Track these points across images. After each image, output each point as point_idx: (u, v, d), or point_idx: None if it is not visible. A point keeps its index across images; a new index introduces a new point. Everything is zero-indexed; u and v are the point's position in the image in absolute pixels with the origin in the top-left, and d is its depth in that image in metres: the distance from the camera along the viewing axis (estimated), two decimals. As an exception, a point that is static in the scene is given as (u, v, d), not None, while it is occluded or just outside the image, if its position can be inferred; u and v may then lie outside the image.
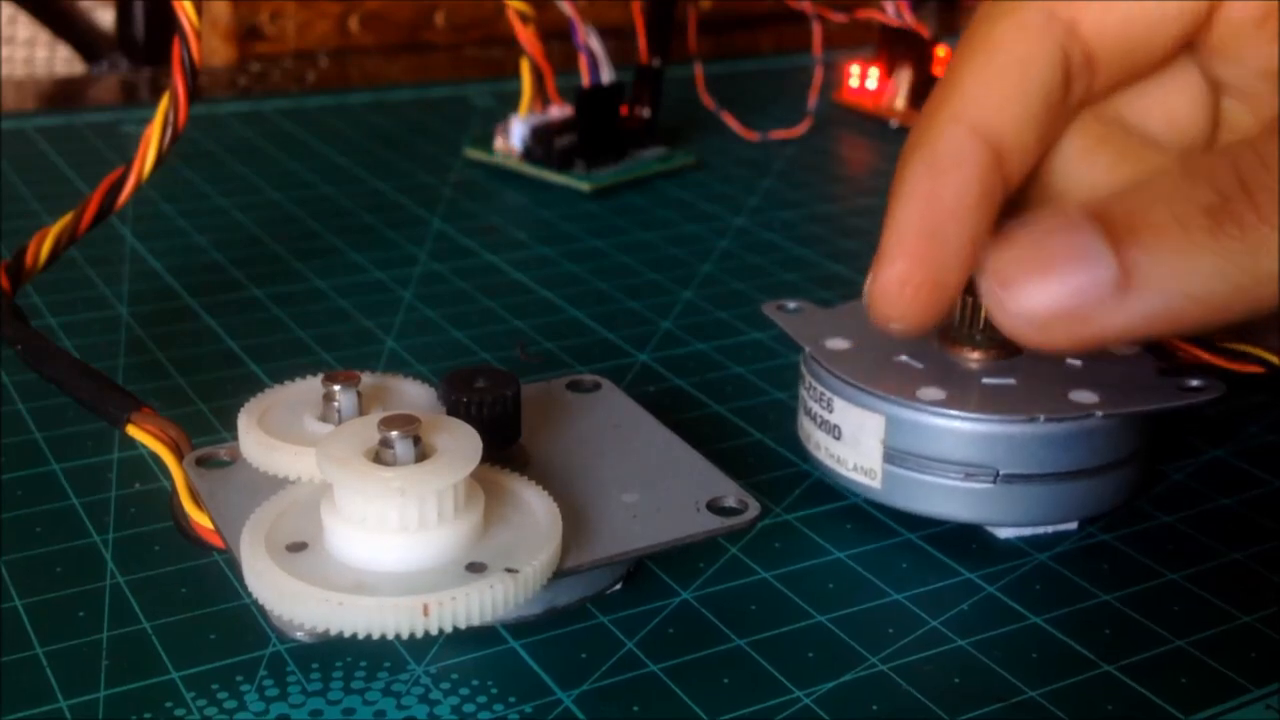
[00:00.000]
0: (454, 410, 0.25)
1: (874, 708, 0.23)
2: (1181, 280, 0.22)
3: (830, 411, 0.28)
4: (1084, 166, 0.28)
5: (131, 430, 0.26)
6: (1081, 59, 0.26)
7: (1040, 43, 0.26)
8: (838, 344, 0.29)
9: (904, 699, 0.23)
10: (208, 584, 0.25)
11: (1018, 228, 0.24)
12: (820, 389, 0.29)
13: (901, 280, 0.25)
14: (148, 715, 0.22)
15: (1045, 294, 0.23)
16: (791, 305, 0.31)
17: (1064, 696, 0.23)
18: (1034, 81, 0.26)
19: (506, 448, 0.26)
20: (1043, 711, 0.23)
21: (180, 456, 0.26)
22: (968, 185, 0.25)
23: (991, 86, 0.26)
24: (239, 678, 0.23)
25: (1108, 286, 0.22)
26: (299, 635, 0.23)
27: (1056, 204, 0.28)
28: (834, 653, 0.24)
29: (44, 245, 0.31)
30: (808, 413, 0.29)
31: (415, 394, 0.27)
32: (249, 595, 0.22)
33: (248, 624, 0.24)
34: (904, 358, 0.29)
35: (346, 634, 0.21)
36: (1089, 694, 0.23)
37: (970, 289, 0.29)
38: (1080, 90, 0.27)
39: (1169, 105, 0.29)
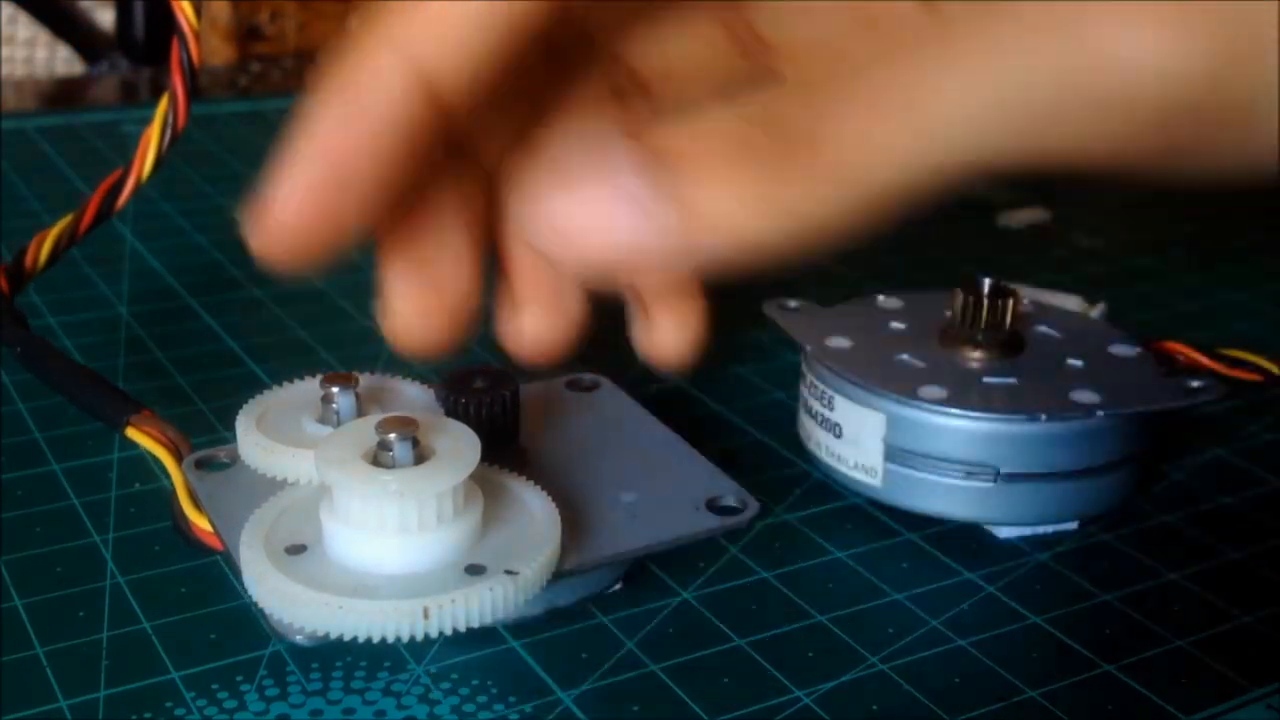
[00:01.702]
0: (452, 411, 0.25)
1: (874, 708, 0.23)
2: (714, 208, 0.22)
3: (831, 410, 0.28)
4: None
5: (131, 433, 0.26)
6: None
7: None
8: (839, 342, 0.29)
9: (904, 699, 0.23)
10: (208, 584, 0.25)
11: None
12: (821, 387, 0.29)
13: (293, 220, 0.23)
14: (148, 715, 0.22)
15: (570, 206, 0.22)
16: (792, 304, 0.31)
17: (1064, 696, 0.23)
18: (505, 17, 0.24)
19: (505, 448, 0.26)
20: (1043, 711, 0.23)
21: (180, 459, 0.26)
22: (388, 130, 0.23)
23: (460, 15, 0.24)
24: (239, 678, 0.23)
25: (645, 213, 0.22)
26: (298, 638, 0.23)
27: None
28: (834, 653, 0.24)
29: (44, 247, 0.31)
30: (808, 411, 0.29)
31: (414, 395, 0.27)
32: (249, 595, 0.22)
33: (248, 624, 0.24)
34: (905, 356, 0.29)
35: (346, 638, 0.21)
36: (1089, 694, 0.23)
37: (973, 289, 0.29)
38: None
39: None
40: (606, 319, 0.39)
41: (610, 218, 0.22)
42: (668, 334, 0.28)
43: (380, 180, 0.23)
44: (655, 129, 0.22)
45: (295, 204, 0.23)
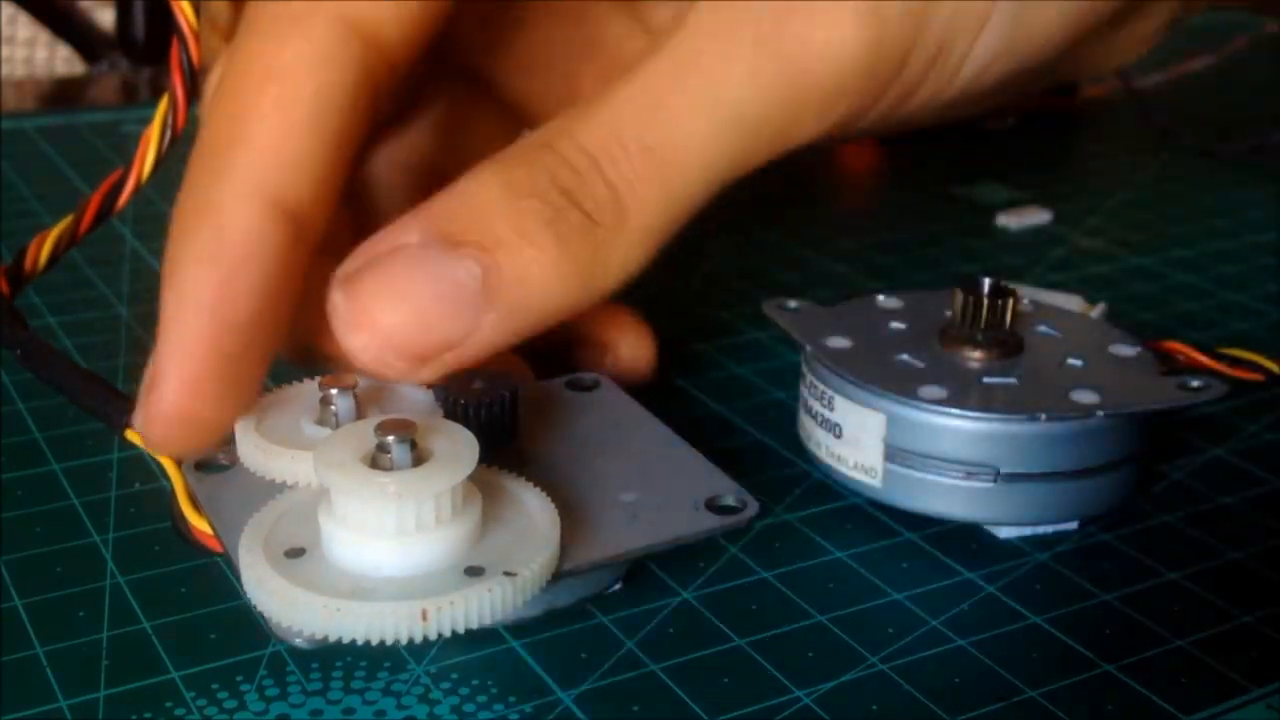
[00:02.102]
0: (451, 412, 0.25)
1: (874, 708, 0.23)
2: (535, 288, 0.23)
3: (831, 410, 0.28)
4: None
5: (131, 434, 0.26)
6: (382, 60, 0.25)
7: (337, 67, 0.24)
8: (839, 342, 0.29)
9: (904, 699, 0.23)
10: (208, 584, 0.25)
11: (359, 249, 0.23)
12: (821, 387, 0.29)
13: (181, 412, 0.23)
14: (148, 715, 0.22)
15: (397, 312, 0.23)
16: (792, 304, 0.31)
17: (1064, 696, 0.23)
18: (333, 116, 0.24)
19: (504, 449, 0.26)
20: (1043, 711, 0.23)
21: (179, 461, 0.26)
22: (266, 280, 0.23)
23: (286, 138, 0.23)
24: (239, 678, 0.23)
25: (468, 303, 0.23)
26: (298, 641, 0.23)
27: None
28: (834, 653, 0.24)
29: (43, 248, 0.31)
30: (808, 411, 0.29)
31: (412, 397, 0.27)
32: (248, 598, 0.22)
33: (248, 624, 0.24)
34: (905, 357, 0.29)
35: (345, 640, 0.21)
36: (1089, 694, 0.23)
37: (973, 289, 0.29)
38: (385, 88, 0.26)
39: None
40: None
41: (421, 313, 0.23)
42: (626, 357, 0.31)
43: (260, 321, 0.24)
44: (445, 203, 0.23)
45: (179, 394, 0.23)
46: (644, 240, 0.24)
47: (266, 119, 0.23)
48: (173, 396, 0.23)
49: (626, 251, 0.24)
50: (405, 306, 0.23)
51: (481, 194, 0.23)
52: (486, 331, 0.23)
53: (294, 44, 0.24)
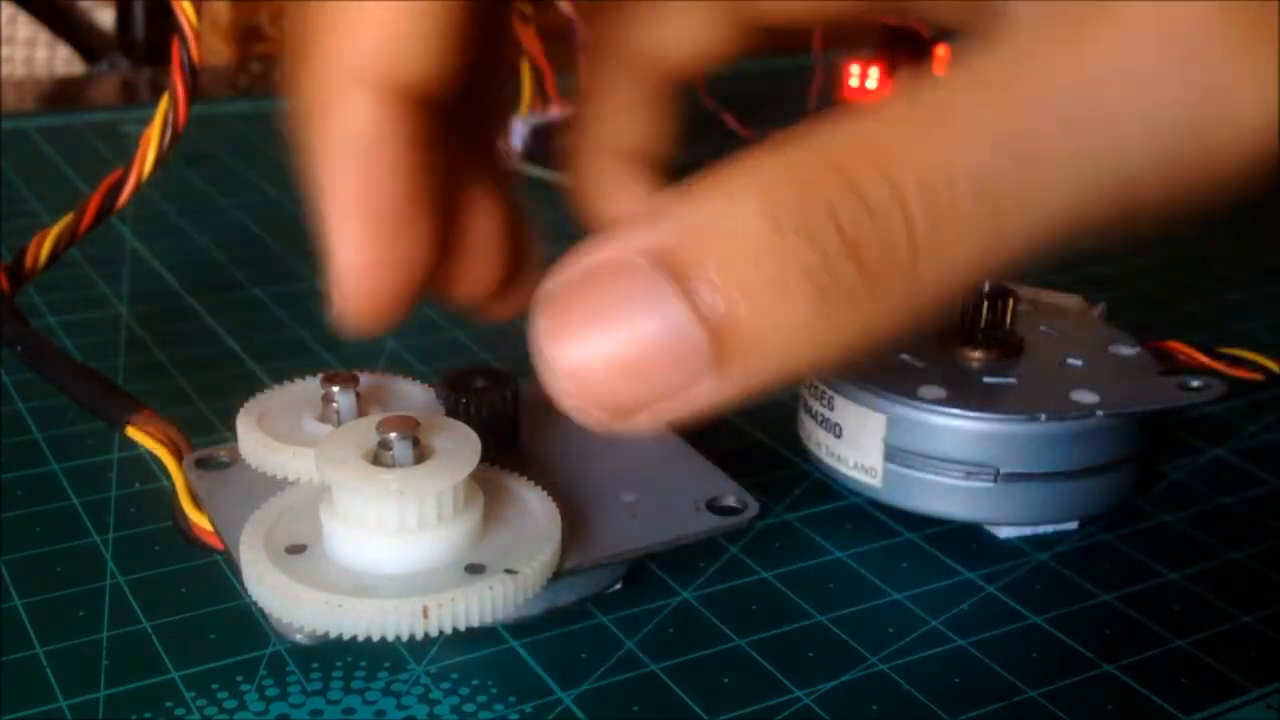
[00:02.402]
0: (453, 411, 0.25)
1: (874, 708, 0.23)
2: (773, 354, 0.18)
3: (831, 410, 0.28)
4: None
5: (131, 432, 0.26)
6: None
7: None
8: (838, 344, 0.29)
9: (904, 699, 0.23)
10: (208, 584, 0.25)
11: (565, 265, 0.18)
12: (821, 387, 0.29)
13: (362, 276, 0.22)
14: (148, 715, 0.22)
15: (605, 359, 0.18)
16: (791, 305, 0.31)
17: (1064, 696, 0.23)
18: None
19: (506, 448, 0.26)
20: (1043, 711, 0.23)
21: (180, 458, 0.26)
22: (398, 162, 0.22)
23: (395, 13, 0.22)
24: (239, 678, 0.23)
25: (691, 356, 0.18)
26: (299, 637, 0.23)
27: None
28: (834, 653, 0.24)
29: (44, 246, 0.31)
30: (808, 411, 0.29)
31: (414, 394, 0.27)
32: (249, 595, 0.22)
33: (248, 624, 0.24)
34: (905, 356, 0.29)
35: (346, 636, 0.21)
36: (1089, 694, 0.23)
37: (973, 289, 0.29)
38: None
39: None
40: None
41: (635, 365, 0.18)
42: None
43: (412, 201, 0.22)
44: (682, 216, 0.18)
45: (354, 263, 0.22)
46: (929, 304, 0.18)
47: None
48: (352, 270, 0.22)
49: (902, 317, 0.18)
50: (617, 353, 0.18)
51: (735, 215, 0.18)
52: (700, 392, 0.18)
53: None
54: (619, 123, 0.27)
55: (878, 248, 0.18)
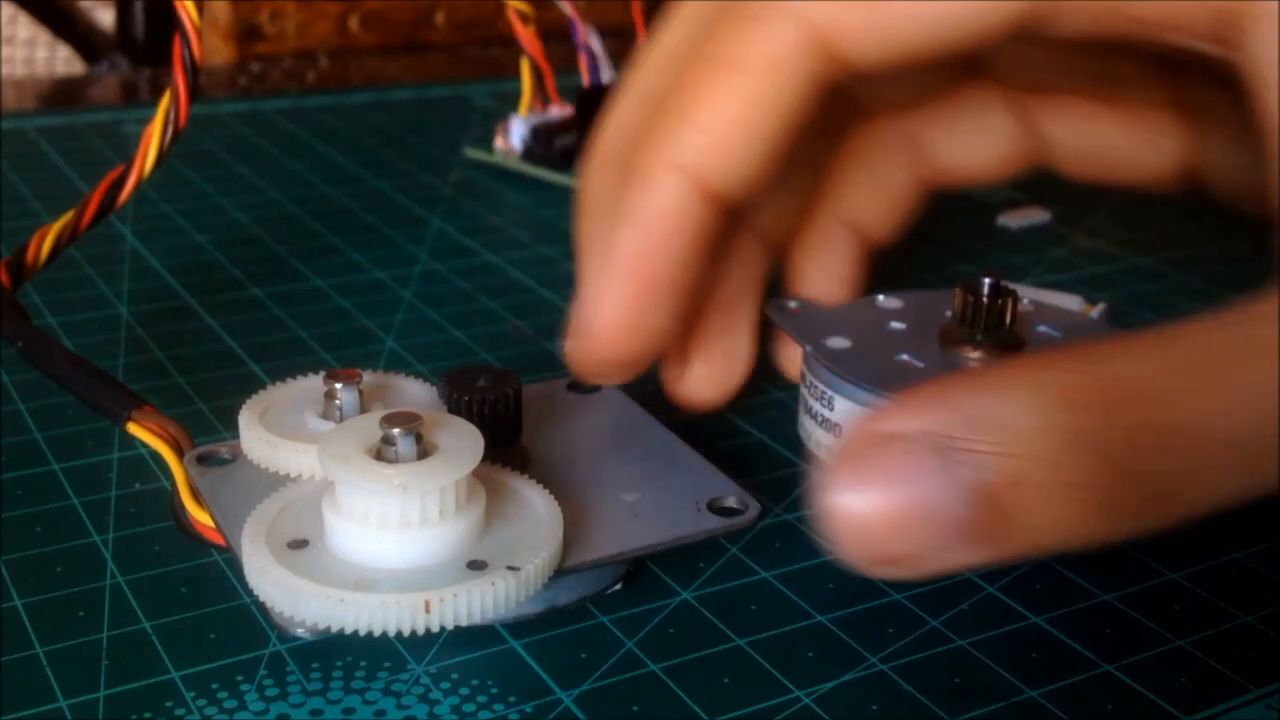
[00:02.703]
0: (455, 408, 0.25)
1: (874, 708, 0.23)
2: (1049, 538, 0.20)
3: (831, 410, 0.28)
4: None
5: (132, 428, 0.26)
6: (840, 74, 0.23)
7: (790, 72, 0.23)
8: (839, 342, 0.29)
9: (904, 699, 0.23)
10: (208, 584, 0.25)
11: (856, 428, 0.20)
12: (821, 387, 0.29)
13: (611, 326, 0.24)
14: (148, 715, 0.22)
15: (874, 503, 0.20)
16: (792, 304, 0.31)
17: (1064, 696, 0.23)
18: (776, 118, 0.23)
19: (507, 447, 0.26)
20: (1043, 711, 0.23)
21: (181, 454, 0.26)
22: (684, 248, 0.24)
23: (729, 126, 0.23)
24: (239, 677, 0.23)
25: (958, 527, 0.19)
26: (300, 632, 0.23)
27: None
28: (834, 653, 0.24)
29: (45, 243, 0.31)
30: (809, 411, 0.29)
31: (416, 392, 0.27)
32: (249, 594, 0.22)
33: (248, 624, 0.24)
34: (905, 357, 0.29)
35: (348, 631, 0.21)
36: (1089, 694, 0.23)
37: (973, 289, 0.29)
38: (841, 109, 0.26)
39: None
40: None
41: (914, 530, 0.20)
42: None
43: (677, 282, 0.25)
44: (970, 420, 0.19)
45: (608, 318, 0.24)
46: (1183, 520, 0.20)
47: (715, 100, 0.23)
48: (603, 318, 0.25)
49: (1153, 528, 0.20)
50: (891, 512, 0.20)
51: (1025, 420, 0.19)
52: (958, 558, 0.20)
53: (755, 39, 0.23)
54: (863, 198, 0.30)
55: (1159, 480, 0.19)
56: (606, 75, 0.49)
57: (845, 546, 0.20)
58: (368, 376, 0.26)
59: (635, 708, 0.23)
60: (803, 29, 0.23)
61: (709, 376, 0.29)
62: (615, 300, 0.24)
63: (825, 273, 0.31)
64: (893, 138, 0.30)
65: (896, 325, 0.30)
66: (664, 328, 0.25)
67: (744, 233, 0.29)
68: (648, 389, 0.34)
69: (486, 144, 0.51)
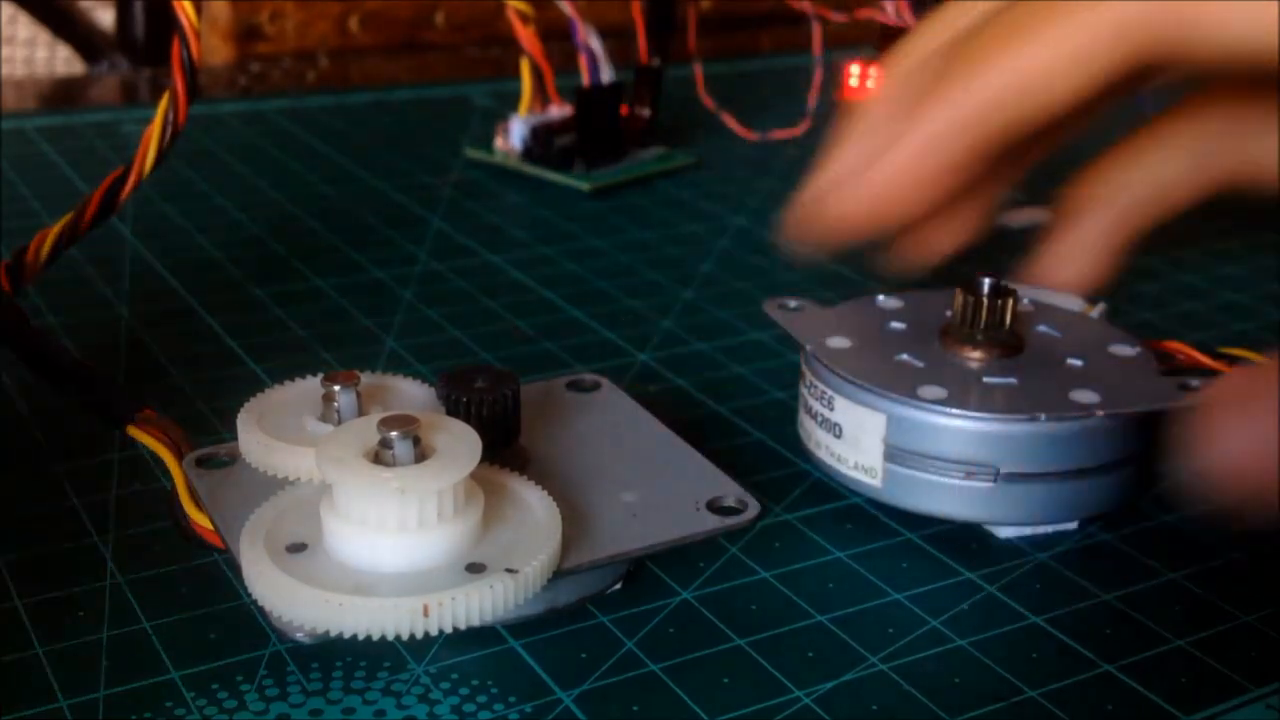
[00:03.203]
0: (453, 409, 0.25)
1: (874, 708, 0.23)
2: None
3: (831, 410, 0.28)
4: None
5: (132, 431, 0.26)
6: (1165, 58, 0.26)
7: (1115, 39, 0.25)
8: (839, 342, 0.29)
9: (904, 699, 0.23)
10: (208, 584, 0.25)
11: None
12: (821, 387, 0.29)
13: (847, 209, 0.28)
14: (148, 715, 0.22)
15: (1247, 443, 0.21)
16: (792, 304, 0.31)
17: (1064, 696, 0.23)
18: (1103, 62, 0.26)
19: (506, 447, 0.26)
20: (1043, 711, 0.23)
21: (180, 457, 0.26)
22: (988, 138, 0.27)
23: (1058, 50, 0.26)
24: (239, 678, 0.23)
25: None
26: (299, 636, 0.23)
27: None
28: (834, 653, 0.24)
29: (45, 244, 0.31)
30: (808, 411, 0.29)
31: (415, 393, 0.27)
32: (249, 595, 0.22)
33: (248, 624, 0.24)
34: (905, 356, 0.29)
35: (347, 635, 0.21)
36: (1089, 694, 0.23)
37: (973, 289, 0.29)
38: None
39: None
40: (606, 319, 0.40)
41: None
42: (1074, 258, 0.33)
43: (963, 166, 0.27)
44: None
45: (893, 177, 0.27)
46: None
47: (1051, 31, 0.26)
48: (850, 200, 0.28)
49: None
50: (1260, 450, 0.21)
51: None
52: None
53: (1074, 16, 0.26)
54: (1138, 181, 0.35)
55: None
56: (606, 75, 0.49)
57: (1216, 485, 0.22)
58: (366, 377, 0.26)
59: (635, 708, 0.23)
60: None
61: (935, 238, 0.33)
62: (908, 161, 0.27)
63: (1079, 247, 0.34)
64: (1203, 124, 0.33)
65: (896, 325, 0.30)
66: (932, 201, 0.28)
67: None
68: (648, 389, 0.34)
69: (486, 144, 0.51)
